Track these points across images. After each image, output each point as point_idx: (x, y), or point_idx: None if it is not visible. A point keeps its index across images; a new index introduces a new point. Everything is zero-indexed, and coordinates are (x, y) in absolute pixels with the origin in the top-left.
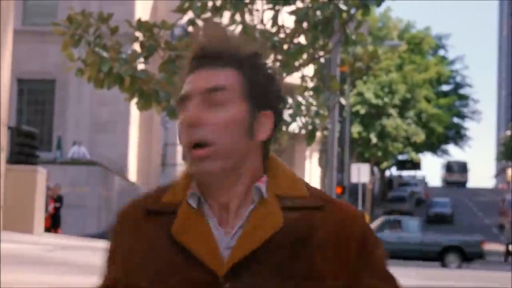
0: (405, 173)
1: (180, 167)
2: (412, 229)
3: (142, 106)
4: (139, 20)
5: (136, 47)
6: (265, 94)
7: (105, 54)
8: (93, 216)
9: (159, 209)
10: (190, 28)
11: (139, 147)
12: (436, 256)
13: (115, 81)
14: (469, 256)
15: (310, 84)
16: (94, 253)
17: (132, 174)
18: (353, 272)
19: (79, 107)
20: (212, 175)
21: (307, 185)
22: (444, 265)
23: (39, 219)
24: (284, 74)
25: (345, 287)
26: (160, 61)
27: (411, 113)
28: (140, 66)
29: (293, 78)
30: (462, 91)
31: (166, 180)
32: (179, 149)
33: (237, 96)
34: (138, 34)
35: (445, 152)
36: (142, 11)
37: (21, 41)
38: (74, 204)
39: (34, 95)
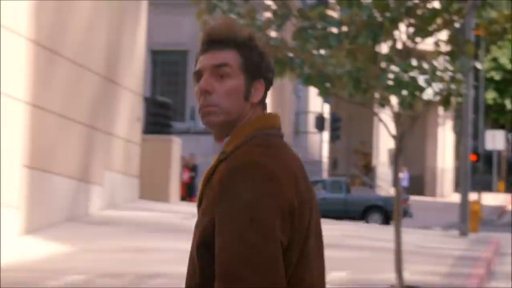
0: None
1: (312, 135)
2: (336, 190)
3: (276, 74)
4: None
5: (269, 15)
6: (257, 68)
7: (240, 21)
8: None
9: None
10: None
11: None
12: (359, 215)
13: None
14: (392, 214)
15: (444, 49)
16: None
17: None
18: (214, 212)
19: None
20: (215, 126)
21: (250, 142)
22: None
23: (175, 188)
24: (419, 39)
25: (210, 224)
26: (292, 28)
27: None
28: (273, 34)
29: (426, 44)
30: None
31: (298, 149)
32: (311, 117)
33: (237, 70)
34: (270, 2)
35: None
36: None
37: (154, 12)
38: None
39: (167, 66)
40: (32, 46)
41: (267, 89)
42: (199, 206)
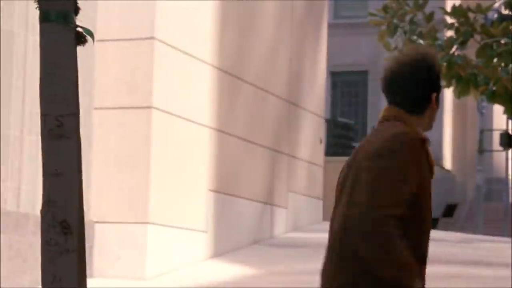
0: None
1: (497, 153)
2: None
3: (460, 92)
4: (453, 6)
5: (451, 33)
6: None
7: (421, 41)
8: None
9: (425, 142)
10: (506, 11)
11: (454, 134)
12: None
13: None
14: None
15: None
16: None
17: (447, 162)
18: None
19: None
20: None
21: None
22: None
23: None
24: None
25: None
26: (475, 46)
27: None
28: (456, 52)
29: None
30: None
31: (483, 167)
32: (496, 134)
33: None
34: (452, 20)
35: None
36: None
37: (333, 34)
38: None
39: (347, 87)
40: (216, 72)
41: None
42: None
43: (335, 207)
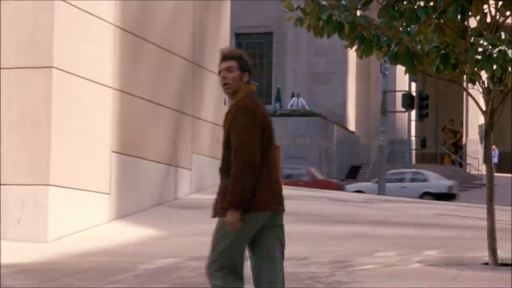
0: None
1: (400, 114)
2: None
3: (362, 53)
4: None
5: None
6: (244, 67)
7: (324, 2)
8: (313, 167)
9: None
10: None
11: (357, 95)
12: None
13: (335, 29)
14: None
15: None
16: (319, 202)
17: (351, 123)
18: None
19: (297, 58)
20: (229, 94)
21: (244, 96)
22: None
23: None
24: (508, 13)
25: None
26: (379, 7)
27: None
28: (359, 13)
29: None
30: None
31: (386, 128)
32: (399, 96)
33: (236, 69)
34: None
35: None
36: None
37: None
38: (295, 156)
39: (252, 49)
40: (119, 32)
41: (250, 75)
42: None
43: (269, 152)
